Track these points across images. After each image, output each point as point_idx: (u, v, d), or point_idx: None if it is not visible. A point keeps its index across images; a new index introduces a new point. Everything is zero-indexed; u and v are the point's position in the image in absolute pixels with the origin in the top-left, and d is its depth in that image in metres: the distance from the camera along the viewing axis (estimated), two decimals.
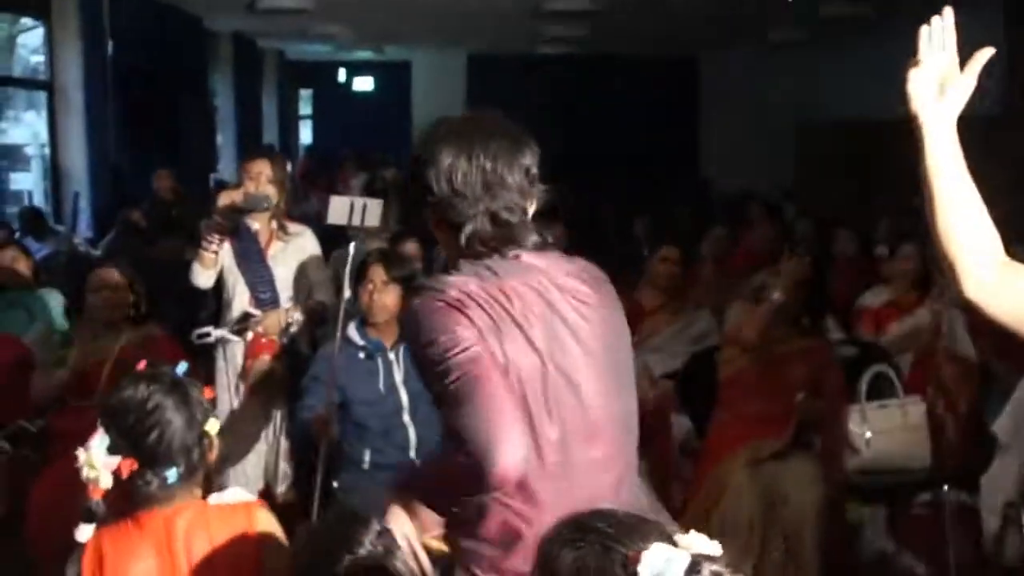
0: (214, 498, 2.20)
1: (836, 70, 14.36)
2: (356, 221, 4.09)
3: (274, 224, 4.38)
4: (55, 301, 5.08)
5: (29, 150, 12.24)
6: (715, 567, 1.30)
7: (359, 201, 4.15)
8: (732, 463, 4.16)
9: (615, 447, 2.01)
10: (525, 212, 2.02)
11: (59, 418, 3.90)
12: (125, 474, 2.05)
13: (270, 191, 4.28)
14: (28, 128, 12.15)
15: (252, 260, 4.30)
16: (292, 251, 4.40)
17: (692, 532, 1.38)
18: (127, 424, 2.10)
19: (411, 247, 5.33)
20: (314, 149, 17.75)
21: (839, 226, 6.78)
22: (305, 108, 19.21)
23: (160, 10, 11.02)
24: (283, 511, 4.41)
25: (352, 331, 3.93)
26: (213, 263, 4.24)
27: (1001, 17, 9.72)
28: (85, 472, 2.04)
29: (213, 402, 4.24)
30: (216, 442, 2.17)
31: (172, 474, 2.09)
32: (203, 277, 4.26)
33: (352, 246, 4.14)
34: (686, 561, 1.30)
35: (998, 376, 4.97)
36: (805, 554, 4.01)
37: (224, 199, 4.25)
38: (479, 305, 1.90)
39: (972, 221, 1.81)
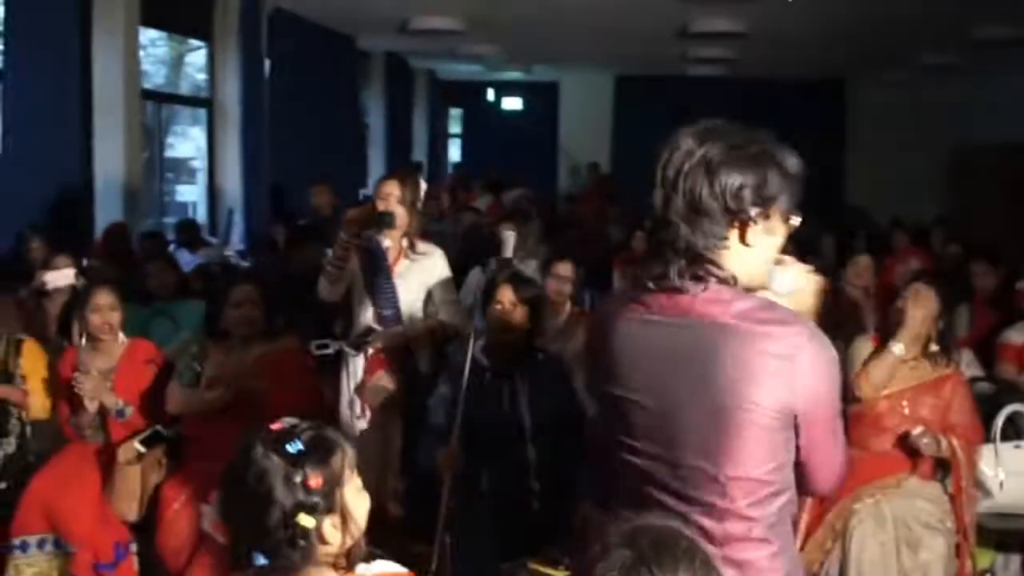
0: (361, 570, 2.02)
1: (989, 94, 13.87)
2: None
3: (404, 242, 4.47)
4: (201, 311, 5.29)
5: (195, 163, 12.80)
6: None
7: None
8: (857, 501, 4.03)
9: None
10: None
11: (193, 426, 4.07)
12: (220, 539, 2.03)
13: (398, 211, 4.38)
14: (194, 143, 12.70)
15: (379, 276, 4.38)
16: (419, 270, 4.47)
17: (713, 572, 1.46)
18: (226, 489, 1.96)
19: (565, 268, 5.29)
20: (462, 166, 18.03)
21: (978, 258, 6.50)
22: (455, 127, 19.53)
23: (315, 31, 11.39)
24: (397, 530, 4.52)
25: (478, 352, 3.95)
26: (337, 279, 4.36)
27: None
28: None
29: (333, 416, 4.40)
30: (330, 532, 1.90)
31: (259, 559, 1.88)
32: (328, 291, 4.40)
33: (478, 270, 4.19)
34: None
35: None
36: None
37: (348, 216, 4.37)
38: None
39: None
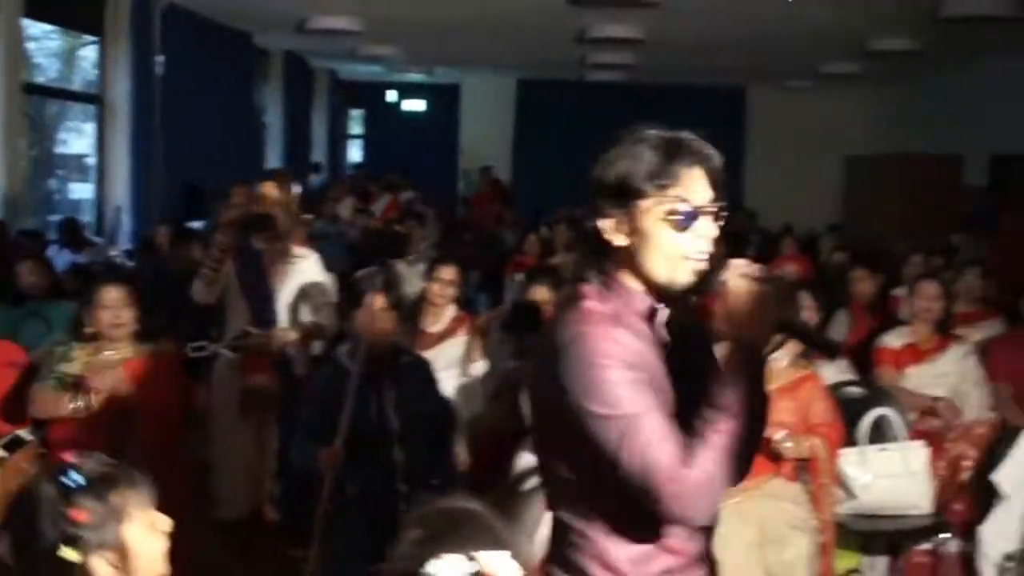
0: None
1: (884, 105, 14.26)
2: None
3: (279, 246, 4.43)
4: (54, 311, 5.17)
5: (88, 160, 12.50)
6: None
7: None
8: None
9: None
10: None
11: (58, 429, 3.96)
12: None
13: (275, 212, 4.34)
14: (87, 140, 12.39)
15: (253, 279, 4.35)
16: (294, 273, 4.46)
17: (501, 552, 1.40)
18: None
19: (449, 272, 5.28)
20: (363, 168, 17.94)
21: (857, 265, 6.66)
22: (355, 127, 19.42)
23: (210, 27, 11.21)
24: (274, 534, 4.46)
25: (342, 355, 3.94)
26: (214, 280, 4.29)
27: None
28: None
29: (206, 418, 4.33)
30: (102, 570, 1.84)
31: None
32: (203, 293, 4.33)
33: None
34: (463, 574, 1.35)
35: (1010, 422, 4.90)
36: None
37: (223, 219, 4.30)
38: None
39: None
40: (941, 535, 4.55)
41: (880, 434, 4.47)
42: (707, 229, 1.97)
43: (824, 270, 8.07)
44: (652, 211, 1.97)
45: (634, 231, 1.99)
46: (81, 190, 13.22)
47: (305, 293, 4.45)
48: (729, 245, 7.02)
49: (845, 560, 4.42)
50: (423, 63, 15.10)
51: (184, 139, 10.30)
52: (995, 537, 4.40)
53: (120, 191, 9.67)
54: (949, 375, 5.11)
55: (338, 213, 10.94)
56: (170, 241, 7.11)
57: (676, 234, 1.97)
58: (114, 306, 3.95)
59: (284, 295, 4.43)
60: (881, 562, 4.75)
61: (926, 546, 4.66)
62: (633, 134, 2.01)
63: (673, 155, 1.96)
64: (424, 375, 4.03)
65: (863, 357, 5.46)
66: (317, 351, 4.62)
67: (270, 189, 4.36)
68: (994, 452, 4.70)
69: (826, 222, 12.45)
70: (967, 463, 4.79)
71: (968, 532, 4.64)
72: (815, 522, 3.96)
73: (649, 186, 1.96)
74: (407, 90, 17.84)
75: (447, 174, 16.97)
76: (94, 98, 10.05)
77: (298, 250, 4.49)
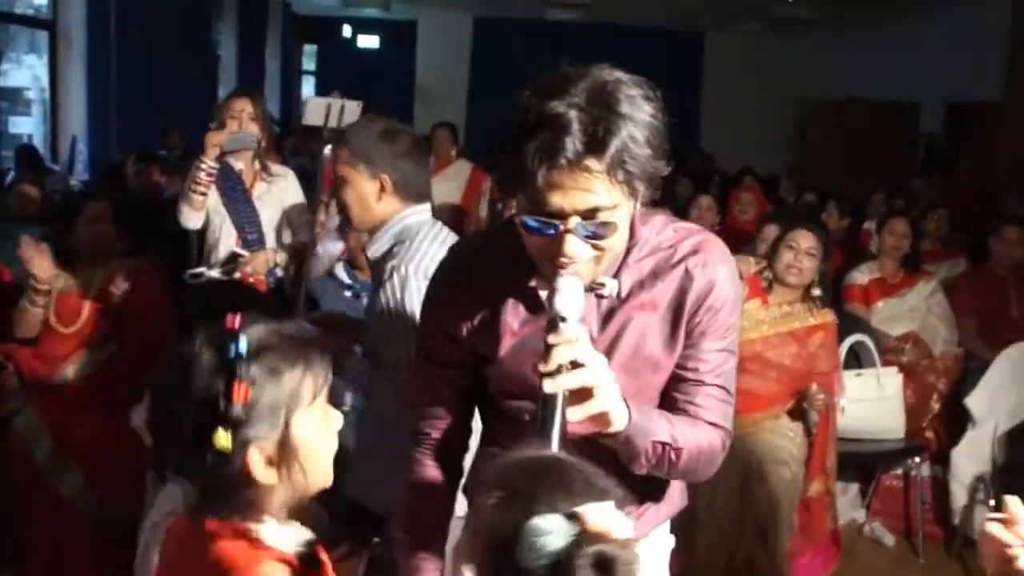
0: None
1: (839, 50, 14.36)
2: (333, 122, 4.02)
3: (257, 164, 4.38)
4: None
5: (30, 94, 12.19)
6: (600, 548, 1.19)
7: (336, 102, 4.08)
8: None
9: None
10: None
11: (39, 344, 3.91)
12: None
13: (253, 129, 4.28)
14: (29, 71, 12.07)
15: (238, 201, 4.29)
16: (276, 192, 4.41)
17: (606, 505, 1.25)
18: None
19: None
20: None
21: (827, 202, 6.77)
22: (309, 63, 19.14)
23: None
24: None
25: (340, 271, 3.95)
26: (202, 205, 4.24)
27: (1009, 6, 9.71)
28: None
29: None
30: (257, 465, 1.48)
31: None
32: (193, 219, 4.26)
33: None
34: (570, 536, 1.20)
35: (976, 356, 5.03)
36: (781, 526, 3.92)
37: (211, 140, 4.23)
38: None
39: None
40: (913, 459, 4.67)
41: (856, 360, 4.57)
42: (571, 248, 1.65)
43: (791, 209, 8.14)
44: (517, 202, 1.71)
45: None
46: (23, 123, 12.89)
47: (287, 215, 4.41)
48: (692, 186, 7.02)
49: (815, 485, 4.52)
50: None
51: (139, 70, 10.10)
52: (966, 460, 4.54)
53: (76, 121, 9.48)
54: (917, 309, 5.24)
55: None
56: (137, 166, 7.00)
57: (535, 237, 1.69)
58: (101, 222, 3.91)
59: (266, 214, 4.36)
60: (853, 487, 4.88)
61: (898, 471, 4.79)
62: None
63: (527, 141, 1.59)
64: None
65: (833, 290, 5.57)
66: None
67: (245, 103, 4.29)
68: (962, 381, 4.83)
69: (783, 167, 12.56)
70: (936, 393, 4.93)
71: (938, 457, 4.78)
72: (797, 452, 3.99)
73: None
74: (362, 26, 17.59)
75: (403, 112, 16.82)
76: (46, 24, 9.79)
77: (275, 168, 4.43)
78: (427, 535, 1.98)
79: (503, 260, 1.85)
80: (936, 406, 4.92)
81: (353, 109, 4.04)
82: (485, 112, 16.31)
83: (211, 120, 4.58)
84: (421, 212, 2.79)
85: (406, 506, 2.01)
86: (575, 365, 1.62)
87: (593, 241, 1.66)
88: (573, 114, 1.57)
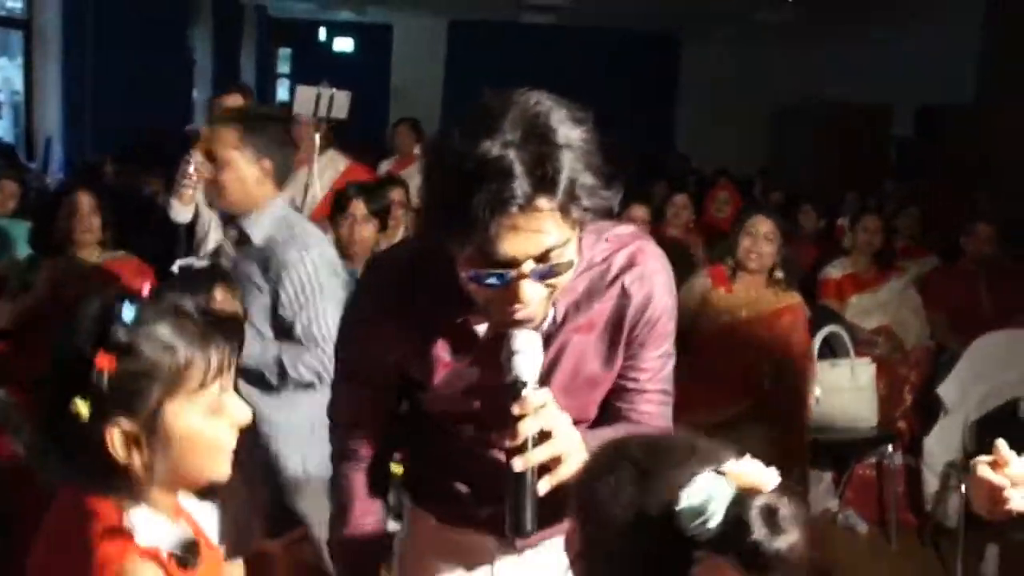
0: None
1: (812, 55, 14.50)
2: (323, 112, 4.05)
3: None
4: (21, 230, 5.10)
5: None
6: (763, 499, 1.17)
7: (326, 91, 4.09)
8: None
9: None
10: None
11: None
12: None
13: None
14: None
15: None
16: None
17: (746, 458, 1.23)
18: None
19: (397, 194, 5.20)
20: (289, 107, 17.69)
21: (801, 201, 6.91)
22: (283, 67, 19.11)
23: None
24: None
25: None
26: (191, 199, 4.28)
27: (983, 6, 9.84)
28: None
29: None
30: (117, 441, 1.38)
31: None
32: (182, 213, 4.31)
33: None
34: (730, 495, 1.18)
35: (948, 347, 5.12)
36: None
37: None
38: None
39: None
40: (886, 448, 4.76)
41: (830, 350, 4.65)
42: (526, 294, 1.56)
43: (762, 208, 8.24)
44: (461, 257, 1.57)
45: None
46: None
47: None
48: (668, 186, 7.05)
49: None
50: (354, 1, 14.92)
51: (114, 71, 10.09)
52: (938, 448, 4.62)
53: (51, 121, 9.46)
54: (890, 304, 5.34)
55: None
56: (114, 167, 7.02)
57: (484, 289, 1.59)
58: (86, 213, 3.94)
59: None
60: (827, 476, 4.95)
61: (871, 460, 4.87)
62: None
63: (471, 192, 1.46)
64: None
65: (808, 285, 5.67)
66: None
67: (237, 99, 4.33)
68: (934, 374, 4.93)
69: (756, 168, 12.69)
70: (908, 385, 5.02)
71: (911, 447, 4.87)
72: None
73: (454, 235, 1.54)
74: (338, 29, 17.59)
75: (377, 116, 16.85)
76: (21, 24, 9.77)
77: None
78: (365, 555, 1.98)
79: (433, 282, 1.72)
80: (908, 398, 5.02)
81: (342, 99, 4.09)
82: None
83: (187, 122, 4.63)
84: (287, 200, 3.00)
85: (341, 526, 1.97)
86: (543, 436, 1.59)
87: (547, 281, 1.58)
88: (513, 155, 1.46)
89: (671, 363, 1.89)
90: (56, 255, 4.08)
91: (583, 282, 1.76)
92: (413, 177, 7.19)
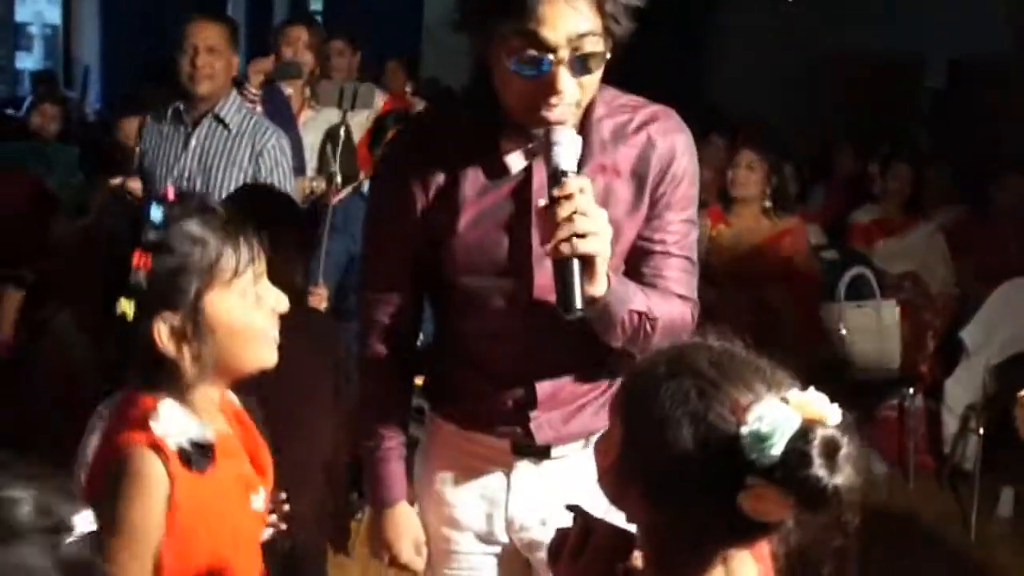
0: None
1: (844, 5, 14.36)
2: (347, 105, 4.03)
3: (307, 92, 4.44)
4: (72, 155, 5.22)
5: (32, 29, 12.20)
6: (827, 432, 1.15)
7: (349, 85, 4.08)
8: None
9: None
10: None
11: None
12: None
13: (307, 58, 4.35)
14: (32, 6, 12.07)
15: (283, 126, 4.18)
16: (321, 120, 4.44)
17: (810, 390, 1.21)
18: None
19: None
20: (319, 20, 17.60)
21: (840, 142, 6.93)
22: (316, 3, 19.03)
23: None
24: None
25: (367, 187, 4.07)
26: None
27: None
28: None
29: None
30: (162, 335, 1.47)
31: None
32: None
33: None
34: (796, 425, 1.15)
35: (972, 295, 5.18)
36: None
37: (255, 67, 4.28)
38: None
39: None
40: (908, 390, 4.85)
41: (856, 292, 4.73)
42: (563, 83, 1.62)
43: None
44: (500, 44, 1.65)
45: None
46: (24, 59, 12.89)
47: (331, 137, 4.37)
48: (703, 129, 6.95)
49: None
50: None
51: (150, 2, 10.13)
52: (959, 390, 4.70)
53: (89, 51, 9.56)
54: (917, 250, 5.38)
55: None
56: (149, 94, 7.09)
57: (522, 81, 1.65)
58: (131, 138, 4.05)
59: (308, 140, 4.37)
60: (848, 417, 5.04)
61: (892, 401, 4.96)
62: None
63: None
64: None
65: (837, 227, 5.74)
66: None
67: (300, 32, 4.37)
68: (958, 319, 5.00)
69: (792, 118, 12.61)
70: (932, 330, 5.10)
71: (932, 391, 4.96)
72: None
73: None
74: None
75: (410, 57, 16.79)
76: None
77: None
78: (390, 420, 1.97)
79: (459, 130, 1.82)
80: (931, 343, 5.08)
81: (366, 92, 4.05)
82: None
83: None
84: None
85: (366, 394, 2.00)
86: (577, 215, 1.59)
87: (580, 77, 1.64)
88: None
89: (695, 232, 1.90)
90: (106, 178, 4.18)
91: (608, 125, 1.80)
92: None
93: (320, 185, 4.40)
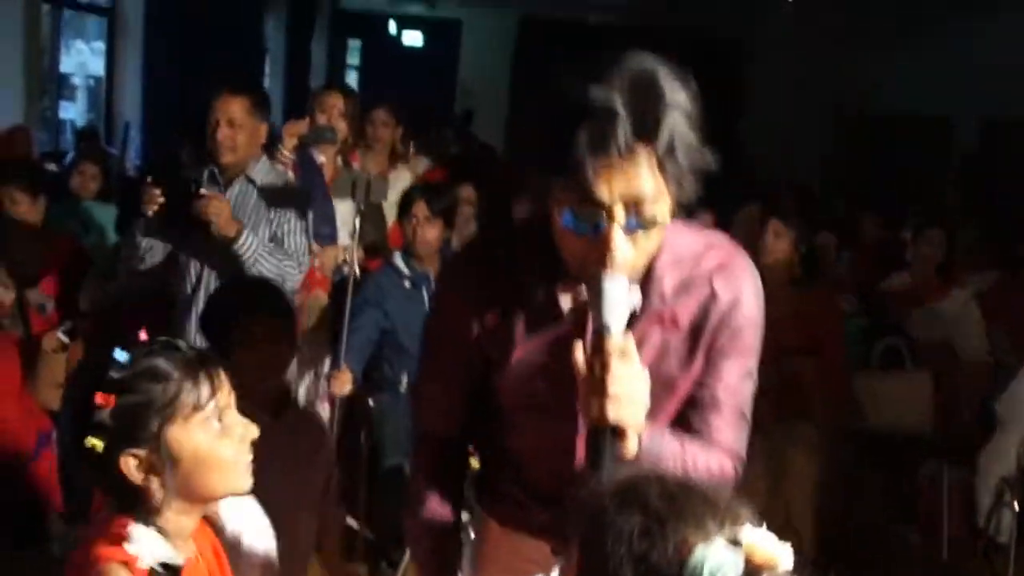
0: None
1: (879, 62, 14.39)
2: (360, 197, 4.03)
3: (339, 160, 4.50)
4: (109, 215, 5.30)
5: (75, 80, 12.42)
6: None
7: (361, 176, 4.10)
8: None
9: None
10: None
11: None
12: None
13: (340, 126, 4.41)
14: (77, 57, 12.30)
15: (315, 194, 4.28)
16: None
17: (761, 529, 1.17)
18: None
19: (466, 191, 5.28)
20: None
21: (866, 209, 6.92)
22: (353, 58, 19.33)
23: None
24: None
25: (398, 260, 4.12)
26: None
27: None
28: None
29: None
30: (130, 468, 1.60)
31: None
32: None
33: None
34: (739, 569, 1.11)
35: (1007, 365, 5.15)
36: (805, 522, 4.11)
37: (290, 130, 4.35)
38: None
39: None
40: (940, 459, 4.81)
41: (888, 361, 4.71)
42: (617, 245, 1.57)
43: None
44: (556, 197, 1.62)
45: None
46: (67, 109, 13.11)
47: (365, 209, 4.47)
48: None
49: None
50: None
51: (192, 59, 10.32)
52: (992, 462, 4.66)
53: (131, 108, 9.73)
54: (950, 317, 5.36)
55: None
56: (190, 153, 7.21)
57: (575, 237, 1.62)
58: None
59: (341, 209, 4.38)
60: (879, 485, 5.01)
61: (926, 472, 4.92)
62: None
63: (574, 129, 1.53)
64: None
65: (869, 296, 5.73)
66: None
67: (336, 99, 4.44)
68: (992, 388, 4.96)
69: (819, 178, 12.64)
70: (965, 399, 5.06)
71: (965, 461, 4.91)
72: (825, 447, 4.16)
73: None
74: (407, 23, 17.78)
75: (443, 111, 17.01)
76: (105, 11, 10.06)
77: (357, 164, 4.55)
78: (441, 538, 1.97)
79: (515, 264, 1.79)
80: (965, 412, 5.05)
81: (380, 186, 4.06)
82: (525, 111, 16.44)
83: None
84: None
85: (417, 504, 1.97)
86: (611, 379, 1.55)
87: (637, 239, 1.59)
88: (619, 100, 1.51)
89: (751, 385, 1.82)
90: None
91: (672, 275, 1.74)
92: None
93: (353, 255, 4.42)
